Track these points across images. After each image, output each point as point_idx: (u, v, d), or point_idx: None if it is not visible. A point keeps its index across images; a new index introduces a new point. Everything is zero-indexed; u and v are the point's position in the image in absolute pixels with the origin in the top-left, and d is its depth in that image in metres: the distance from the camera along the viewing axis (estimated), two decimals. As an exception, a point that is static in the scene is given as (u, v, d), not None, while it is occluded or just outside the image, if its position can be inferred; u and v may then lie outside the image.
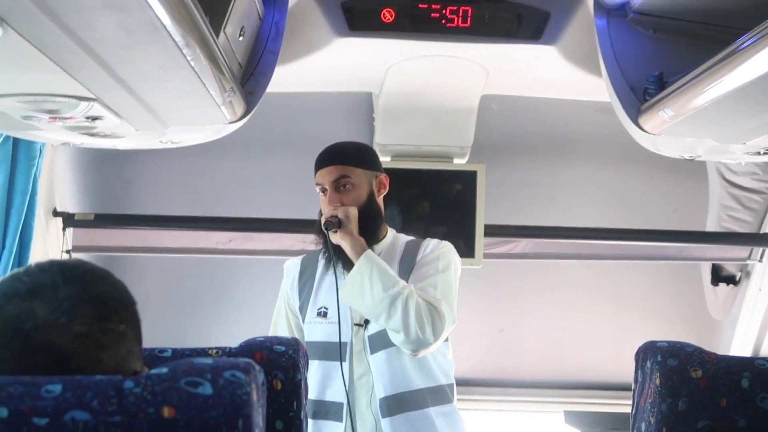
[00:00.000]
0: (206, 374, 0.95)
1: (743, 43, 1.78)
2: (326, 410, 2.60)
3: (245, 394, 0.95)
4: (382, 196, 2.71)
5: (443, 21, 2.94)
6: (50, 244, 3.41)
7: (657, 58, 2.60)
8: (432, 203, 3.66)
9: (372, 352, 2.59)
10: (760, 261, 3.86)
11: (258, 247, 3.80)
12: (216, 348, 1.52)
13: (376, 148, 3.48)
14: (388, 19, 2.94)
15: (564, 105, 3.69)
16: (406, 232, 2.83)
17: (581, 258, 3.98)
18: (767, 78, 1.74)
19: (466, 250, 3.54)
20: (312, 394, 2.60)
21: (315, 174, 2.65)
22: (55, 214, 3.47)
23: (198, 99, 2.09)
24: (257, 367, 1.00)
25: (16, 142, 2.89)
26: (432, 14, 2.93)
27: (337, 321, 2.58)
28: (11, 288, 1.09)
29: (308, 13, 2.92)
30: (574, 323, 4.20)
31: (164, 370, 0.96)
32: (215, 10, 2.18)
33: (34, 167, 2.96)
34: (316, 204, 2.69)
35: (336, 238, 2.55)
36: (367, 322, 2.59)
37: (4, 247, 2.88)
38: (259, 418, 0.98)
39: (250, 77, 2.58)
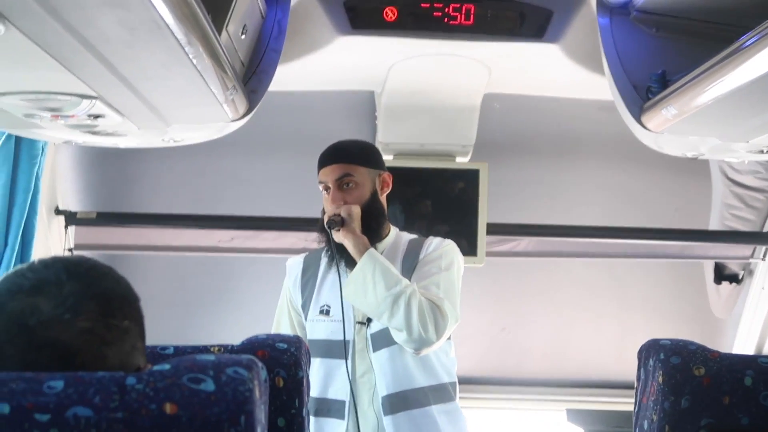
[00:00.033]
0: (208, 371, 0.95)
1: (746, 41, 1.77)
2: (328, 408, 2.60)
3: (247, 391, 0.94)
4: (385, 195, 2.71)
5: (446, 19, 2.93)
6: (52, 242, 3.41)
7: (660, 57, 2.60)
8: (434, 201, 3.65)
9: (374, 350, 2.59)
10: (763, 259, 3.86)
11: (260, 245, 3.80)
12: (218, 345, 1.52)
13: (379, 147, 3.48)
14: (391, 17, 2.94)
15: (567, 103, 3.69)
16: (409, 230, 2.83)
17: (584, 256, 3.98)
18: (770, 76, 1.74)
19: (469, 248, 3.54)
20: (314, 392, 2.60)
21: (318, 172, 2.64)
22: (58, 212, 3.48)
23: (200, 97, 2.09)
24: (260, 364, 1.00)
25: (18, 140, 2.89)
26: (434, 12, 2.93)
27: (339, 319, 2.58)
28: (15, 284, 1.09)
29: (311, 12, 2.91)
30: (576, 321, 4.20)
31: (166, 366, 0.96)
32: (217, 8, 2.18)
33: (37, 165, 2.97)
34: (319, 202, 2.69)
35: (339, 236, 2.55)
36: (369, 320, 2.59)
37: (6, 245, 2.89)
38: (261, 415, 0.98)
39: (252, 75, 2.58)
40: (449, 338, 2.64)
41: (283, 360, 1.47)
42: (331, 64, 3.18)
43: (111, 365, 1.08)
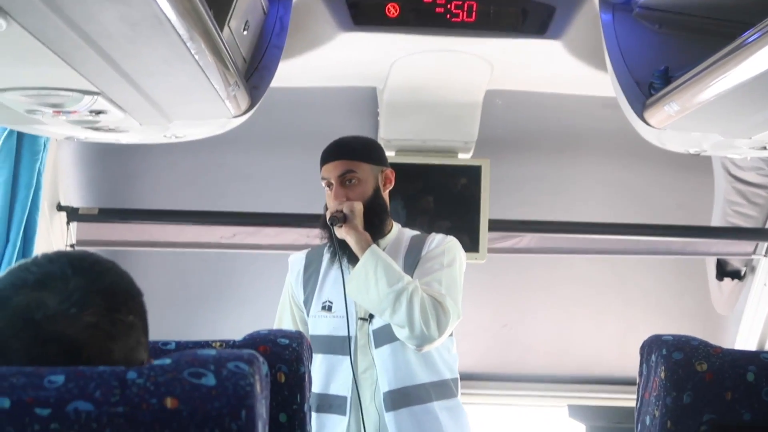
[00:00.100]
0: (209, 365, 0.95)
1: (749, 37, 1.77)
2: (330, 404, 2.61)
3: (248, 385, 0.94)
4: (387, 191, 2.71)
5: (448, 16, 2.93)
6: (54, 238, 3.41)
7: (662, 53, 2.60)
8: (436, 198, 3.65)
9: (376, 347, 2.59)
10: (765, 256, 3.86)
11: (262, 241, 3.80)
12: (220, 341, 1.52)
13: (381, 143, 3.48)
14: (393, 13, 2.94)
15: (569, 100, 3.68)
16: (411, 226, 2.83)
17: (586, 253, 3.97)
18: (773, 72, 1.73)
19: (471, 244, 3.54)
20: (316, 388, 2.60)
21: (321, 168, 2.64)
22: (59, 208, 3.48)
23: (202, 93, 2.09)
24: (261, 359, 1.00)
25: (20, 136, 2.89)
26: (437, 9, 2.93)
27: (341, 315, 2.58)
28: (19, 278, 1.09)
29: (313, 8, 2.91)
30: (578, 318, 4.20)
31: (167, 361, 0.96)
32: (219, 4, 2.18)
33: (38, 162, 2.97)
34: (321, 198, 2.69)
35: (341, 232, 2.55)
36: (371, 316, 2.59)
37: (8, 241, 2.89)
38: (262, 410, 0.98)
39: (254, 72, 2.58)
40: (451, 335, 2.64)
41: (284, 355, 1.47)
42: (333, 61, 3.18)
43: (116, 360, 1.08)
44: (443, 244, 2.65)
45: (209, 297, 4.06)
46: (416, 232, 2.76)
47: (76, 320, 1.06)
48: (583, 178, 4.10)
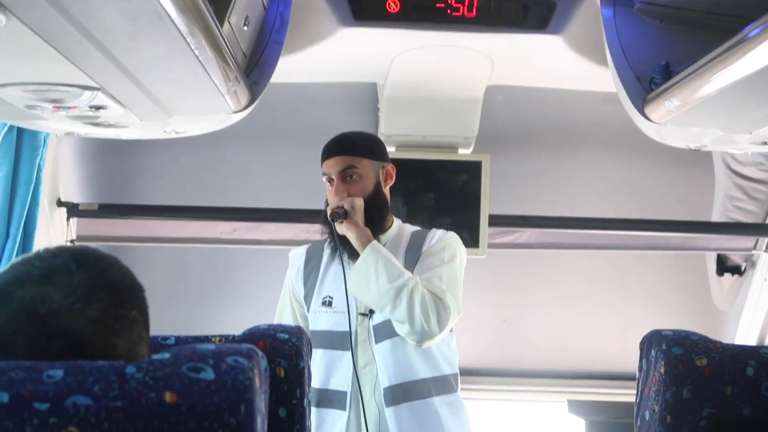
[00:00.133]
0: (208, 360, 0.95)
1: (749, 32, 1.77)
2: (330, 399, 2.61)
3: (248, 380, 0.94)
4: (388, 187, 2.71)
5: (448, 11, 2.92)
6: (54, 233, 3.41)
7: (663, 48, 2.59)
8: (437, 194, 3.65)
9: (377, 342, 2.59)
10: (766, 251, 3.86)
11: (262, 236, 3.81)
12: (219, 336, 1.52)
13: (381, 139, 3.48)
14: (393, 9, 2.93)
15: (569, 95, 3.68)
16: (411, 222, 2.84)
17: (586, 248, 3.98)
18: (773, 67, 1.73)
19: (471, 240, 3.54)
20: (316, 383, 2.61)
21: (322, 164, 2.64)
22: (59, 204, 3.48)
23: (202, 88, 2.09)
24: (260, 353, 1.00)
25: (20, 132, 2.89)
26: (437, 4, 2.92)
27: (341, 310, 2.59)
28: (22, 272, 1.08)
29: (313, 3, 2.91)
30: (578, 313, 4.20)
31: (166, 355, 0.96)
32: (219, -1, 2.18)
33: (38, 157, 2.97)
34: (321, 194, 2.69)
35: (342, 228, 2.55)
36: (372, 311, 2.59)
37: (8, 237, 2.89)
38: (261, 404, 0.98)
39: (254, 67, 2.58)
40: (451, 330, 2.64)
41: (284, 350, 1.47)
42: (334, 56, 3.17)
43: (119, 355, 1.08)
44: (444, 240, 2.65)
45: (209, 292, 4.06)
46: (417, 228, 2.76)
47: (81, 315, 1.06)
48: (583, 173, 4.10)
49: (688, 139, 2.66)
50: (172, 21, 1.56)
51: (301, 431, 1.46)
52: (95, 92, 1.93)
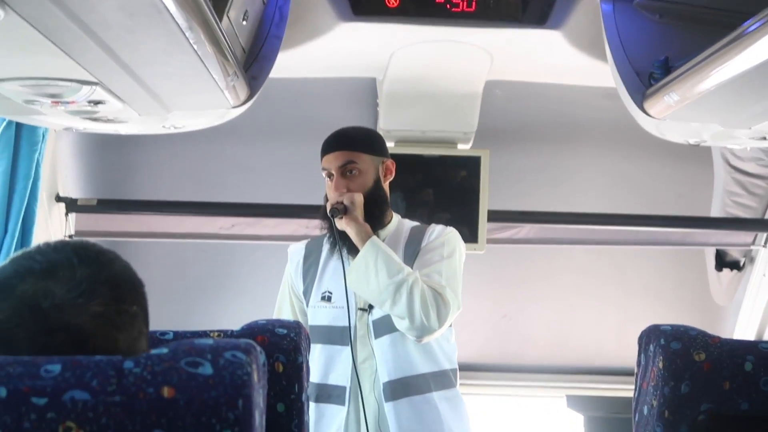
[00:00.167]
0: (206, 354, 0.95)
1: (749, 27, 1.77)
2: (329, 394, 2.61)
3: (246, 375, 0.94)
4: (388, 182, 2.71)
5: (448, 5, 2.92)
6: (53, 229, 3.41)
7: (663, 43, 2.59)
8: (436, 189, 3.65)
9: (376, 337, 2.60)
10: (765, 246, 3.86)
11: (261, 232, 3.81)
12: (218, 331, 1.52)
13: (380, 134, 3.48)
14: (393, 3, 2.93)
15: (569, 90, 3.68)
16: (410, 217, 2.83)
17: (585, 243, 3.97)
18: (773, 62, 1.73)
19: (470, 235, 3.54)
20: (315, 378, 2.61)
21: (321, 159, 2.64)
22: (58, 199, 3.47)
23: (201, 83, 2.09)
24: (258, 348, 1.00)
25: (18, 127, 2.89)
26: (437, -1, 2.92)
27: (340, 305, 2.59)
28: (23, 266, 1.08)
29: (312, -2, 2.91)
30: (577, 308, 4.20)
31: (164, 350, 0.96)
32: (218, -7, 2.17)
33: (37, 152, 2.96)
34: (320, 189, 2.69)
35: (341, 224, 2.55)
36: (371, 306, 2.60)
37: (6, 232, 2.89)
38: (259, 399, 0.98)
39: (253, 62, 2.58)
40: (450, 325, 2.65)
41: (282, 345, 1.47)
42: (333, 51, 3.17)
43: (121, 350, 1.08)
44: (443, 235, 2.65)
45: (208, 288, 4.06)
46: (416, 223, 2.76)
47: (83, 310, 1.06)
48: (582, 168, 4.10)
49: (687, 135, 2.66)
50: (171, 15, 1.56)
51: (300, 426, 1.46)
52: (94, 87, 1.93)
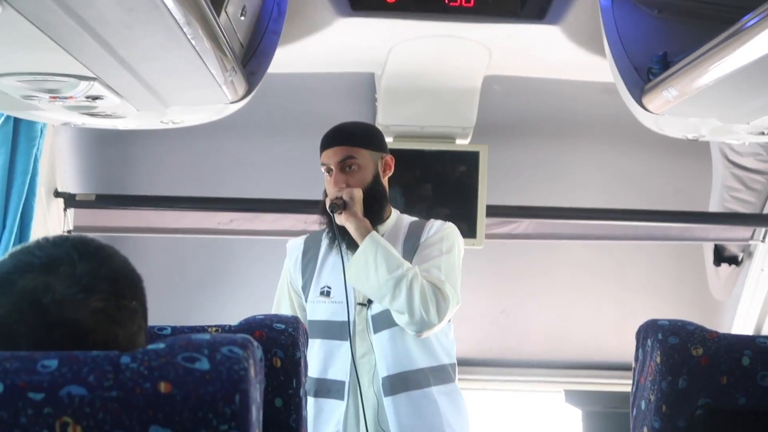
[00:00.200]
0: (203, 349, 0.95)
1: (747, 22, 1.76)
2: (328, 388, 2.61)
3: (242, 370, 0.94)
4: (387, 177, 2.71)
5: (446, 1, 2.92)
6: (51, 224, 3.41)
7: (661, 38, 2.59)
8: (434, 184, 3.65)
9: (375, 332, 2.60)
10: (763, 241, 3.86)
11: (259, 227, 3.81)
12: (215, 326, 1.52)
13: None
14: (391, -2, 2.93)
15: (567, 86, 3.68)
16: (409, 213, 2.84)
17: (584, 238, 3.98)
18: (771, 57, 1.73)
19: (468, 230, 3.53)
20: (314, 373, 2.61)
21: (320, 154, 2.64)
22: (57, 194, 3.47)
23: (199, 79, 2.09)
24: (255, 343, 1.00)
25: (17, 122, 2.89)
26: (435, -6, 2.92)
27: (339, 300, 2.60)
28: (23, 261, 1.08)
29: (310, -7, 2.91)
30: (576, 303, 4.21)
31: (161, 345, 0.96)
32: (216, -12, 2.17)
33: (35, 148, 2.96)
34: (318, 184, 2.69)
35: (341, 219, 2.55)
36: (370, 301, 2.60)
37: (4, 227, 2.88)
38: (256, 394, 0.98)
39: (251, 57, 2.57)
40: (449, 320, 2.65)
41: (280, 340, 1.47)
42: (331, 46, 3.17)
43: (121, 345, 1.08)
44: (442, 231, 2.66)
45: (207, 283, 4.06)
46: (415, 219, 2.77)
47: (84, 305, 1.06)
48: (581, 163, 4.10)
49: (685, 130, 2.66)
50: (169, 11, 1.56)
51: (298, 421, 1.46)
52: (92, 82, 1.93)
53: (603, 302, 4.20)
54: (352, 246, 2.56)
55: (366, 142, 2.65)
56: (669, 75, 2.27)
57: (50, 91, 1.98)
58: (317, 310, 2.67)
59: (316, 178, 2.70)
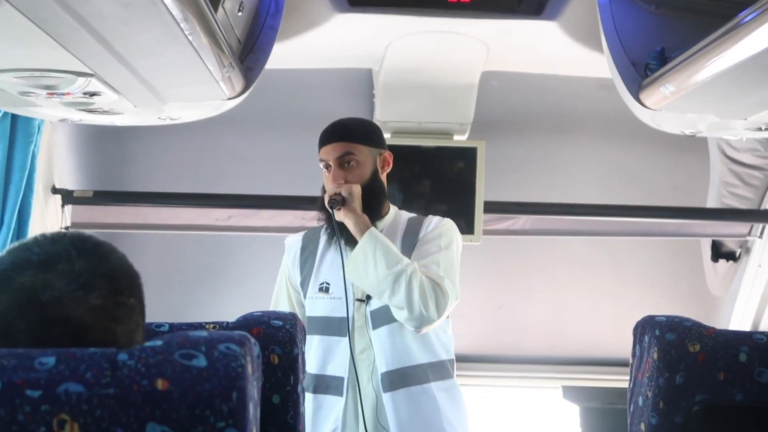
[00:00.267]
0: (200, 346, 0.95)
1: (744, 17, 1.77)
2: (327, 385, 2.61)
3: (240, 367, 0.94)
4: (385, 173, 2.71)
5: (444, -4, 2.92)
6: (49, 220, 3.41)
7: (659, 34, 2.59)
8: (432, 180, 3.65)
9: (374, 328, 2.60)
10: (760, 237, 3.86)
11: (258, 223, 3.81)
12: (213, 323, 1.52)
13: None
14: (388, -6, 2.93)
15: (565, 81, 3.67)
16: (407, 209, 2.83)
17: (581, 234, 3.97)
18: (768, 52, 1.73)
19: (466, 226, 3.54)
20: (313, 369, 2.61)
21: (319, 150, 2.64)
22: (54, 191, 3.47)
23: (196, 75, 2.09)
24: (252, 340, 1.00)
25: (14, 118, 2.88)
26: (433, -11, 2.92)
27: (338, 296, 2.60)
28: (21, 258, 1.08)
29: (308, -11, 2.90)
30: (573, 299, 4.21)
31: (158, 342, 0.95)
32: (214, -16, 2.16)
33: (33, 144, 2.96)
34: (316, 180, 2.69)
35: (339, 215, 2.55)
36: (368, 297, 2.60)
37: (2, 224, 2.88)
38: (254, 391, 0.98)
39: (249, 53, 2.57)
40: (447, 316, 2.65)
41: (278, 337, 1.47)
42: (329, 42, 3.16)
43: (120, 342, 1.08)
44: (440, 227, 2.66)
45: (205, 280, 4.06)
46: (413, 215, 2.77)
47: (82, 303, 1.06)
48: (578, 159, 4.10)
49: (683, 125, 2.66)
50: (166, 7, 1.55)
51: (295, 417, 1.46)
52: (89, 78, 1.93)
53: (601, 298, 4.21)
54: (351, 242, 2.56)
55: (365, 139, 2.65)
56: (666, 71, 2.27)
57: (47, 87, 1.98)
58: (316, 306, 2.67)
59: (315, 175, 2.70)
